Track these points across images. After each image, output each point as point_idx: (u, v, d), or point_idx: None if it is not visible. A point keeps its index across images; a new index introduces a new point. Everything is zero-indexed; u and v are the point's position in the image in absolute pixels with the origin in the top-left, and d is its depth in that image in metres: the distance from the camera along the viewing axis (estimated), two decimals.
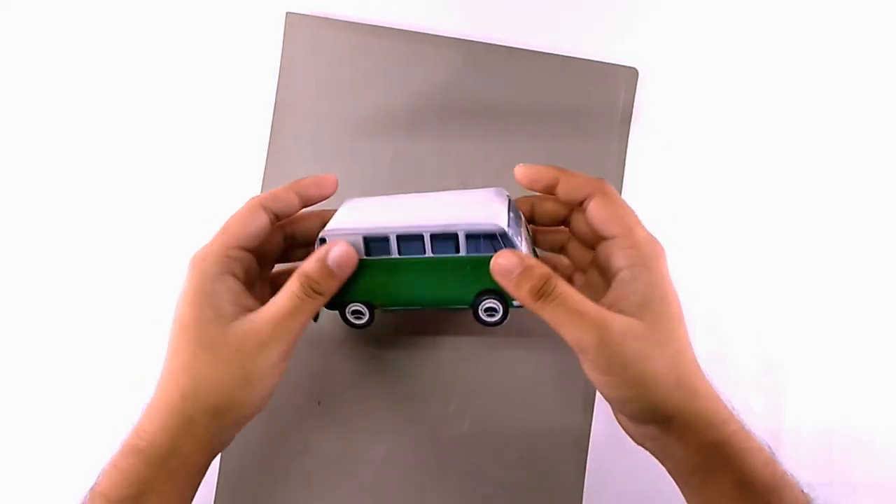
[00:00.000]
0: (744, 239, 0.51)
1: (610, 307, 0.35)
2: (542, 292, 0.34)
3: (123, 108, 0.48)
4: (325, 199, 0.40)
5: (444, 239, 0.36)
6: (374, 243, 0.37)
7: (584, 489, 0.47)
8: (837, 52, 0.52)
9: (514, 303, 0.37)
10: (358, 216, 0.38)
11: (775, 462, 0.35)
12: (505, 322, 0.38)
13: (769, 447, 0.35)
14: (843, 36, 0.52)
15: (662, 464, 0.37)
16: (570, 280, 0.41)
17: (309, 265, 0.36)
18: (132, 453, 0.34)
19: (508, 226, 0.36)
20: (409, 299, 0.38)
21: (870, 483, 0.49)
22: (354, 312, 0.39)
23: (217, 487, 0.46)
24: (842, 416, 0.50)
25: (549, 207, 0.41)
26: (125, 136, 0.48)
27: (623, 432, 0.38)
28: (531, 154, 0.50)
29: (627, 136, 0.50)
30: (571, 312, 0.34)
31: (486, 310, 0.38)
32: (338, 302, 0.38)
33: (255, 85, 0.49)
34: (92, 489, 0.34)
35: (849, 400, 0.50)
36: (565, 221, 0.41)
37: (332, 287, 0.37)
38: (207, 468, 0.37)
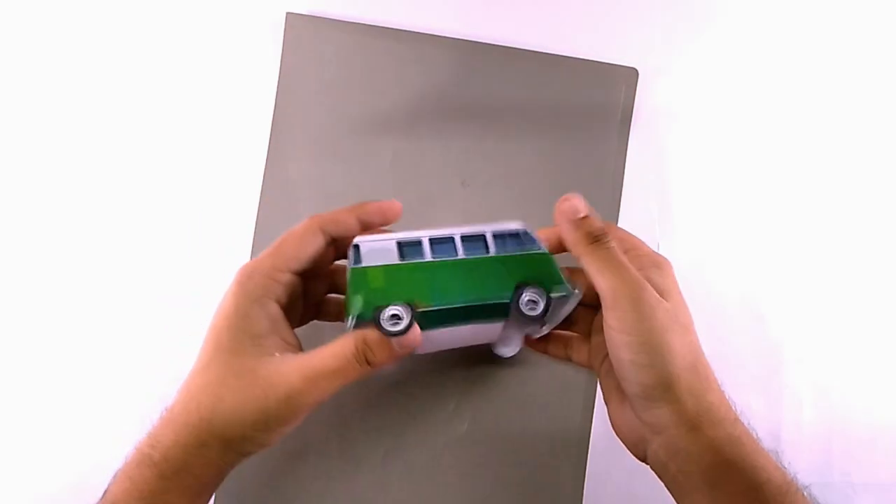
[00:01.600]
0: (743, 238, 0.51)
1: None
2: (598, 237, 0.35)
3: (124, 109, 0.48)
4: (388, 224, 0.39)
5: (474, 240, 0.37)
6: (407, 247, 0.37)
7: (584, 489, 0.47)
8: (837, 51, 0.52)
9: (553, 294, 0.37)
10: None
11: (783, 466, 0.34)
12: (546, 319, 0.38)
13: (774, 452, 0.35)
14: (842, 35, 0.52)
15: (661, 473, 0.35)
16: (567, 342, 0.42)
17: (373, 333, 0.35)
18: (146, 464, 0.34)
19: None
20: (450, 297, 0.36)
21: (870, 483, 0.49)
22: (392, 317, 0.35)
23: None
24: (842, 416, 0.50)
25: None
26: (125, 136, 0.48)
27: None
28: (531, 154, 0.50)
29: (627, 136, 0.50)
30: (617, 264, 0.34)
31: (528, 302, 0.37)
32: (372, 308, 0.35)
33: (256, 85, 0.49)
34: (104, 496, 0.34)
35: (849, 400, 0.50)
36: None
37: (383, 362, 0.35)
38: (220, 484, 0.36)
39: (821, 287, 0.51)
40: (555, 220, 0.37)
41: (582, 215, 0.36)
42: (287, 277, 0.36)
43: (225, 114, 0.49)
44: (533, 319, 0.37)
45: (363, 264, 0.36)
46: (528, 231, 0.38)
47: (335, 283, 0.42)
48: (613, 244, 0.35)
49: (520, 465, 0.47)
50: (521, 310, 0.37)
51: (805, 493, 0.33)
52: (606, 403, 0.40)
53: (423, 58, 0.50)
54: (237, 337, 0.34)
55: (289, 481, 0.47)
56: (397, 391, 0.48)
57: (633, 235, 0.39)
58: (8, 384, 0.46)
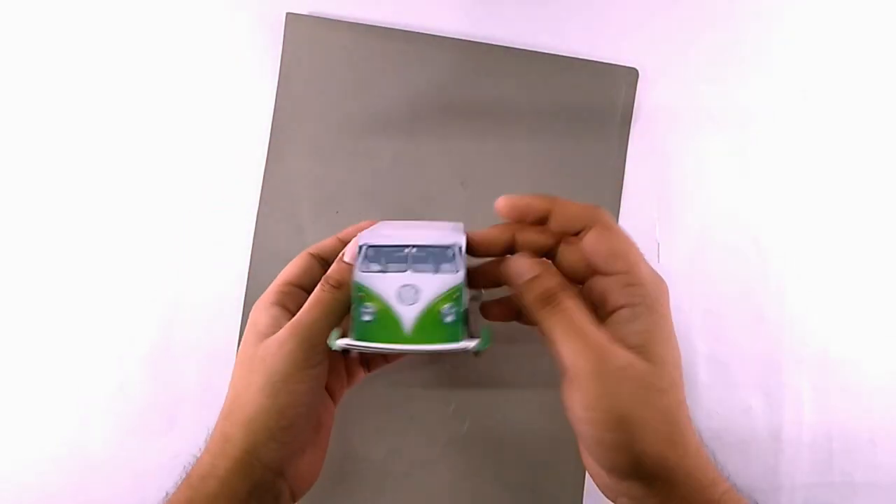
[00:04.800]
0: (743, 238, 0.50)
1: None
2: (549, 300, 0.32)
3: (124, 109, 0.48)
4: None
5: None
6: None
7: (584, 490, 0.47)
8: (837, 50, 0.52)
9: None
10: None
11: None
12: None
13: (756, 503, 0.34)
14: (842, 35, 0.52)
15: None
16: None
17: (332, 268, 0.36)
18: (185, 478, 0.35)
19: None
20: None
21: (870, 483, 0.49)
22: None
23: None
24: (842, 416, 0.50)
25: (532, 238, 0.36)
26: (125, 136, 0.48)
27: None
28: (531, 154, 0.50)
29: (627, 136, 0.50)
30: (573, 330, 0.31)
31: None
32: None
33: (256, 85, 0.49)
34: None
35: (849, 400, 0.50)
36: (549, 254, 0.37)
37: (349, 279, 0.35)
38: (258, 491, 0.34)
39: (821, 287, 0.51)
40: (504, 281, 0.35)
41: (527, 278, 0.32)
42: (289, 289, 0.38)
43: (225, 114, 0.49)
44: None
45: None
46: (454, 250, 0.33)
47: None
48: (569, 303, 0.32)
49: (520, 465, 0.47)
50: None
51: None
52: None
53: (423, 58, 0.50)
54: (245, 338, 0.36)
55: None
56: (397, 391, 0.48)
57: (630, 247, 0.34)
58: (8, 384, 0.46)
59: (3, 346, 0.46)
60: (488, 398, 0.48)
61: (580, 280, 0.36)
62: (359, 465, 0.47)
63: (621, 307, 0.33)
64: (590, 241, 0.34)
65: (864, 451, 0.50)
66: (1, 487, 0.46)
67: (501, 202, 0.35)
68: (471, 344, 0.33)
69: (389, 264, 0.33)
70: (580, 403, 0.31)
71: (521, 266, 0.33)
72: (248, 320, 0.37)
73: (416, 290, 0.33)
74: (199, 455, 0.36)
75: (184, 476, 0.35)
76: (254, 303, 0.38)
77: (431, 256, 0.33)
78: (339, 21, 0.49)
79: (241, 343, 0.37)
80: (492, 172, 0.49)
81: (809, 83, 0.52)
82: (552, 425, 0.48)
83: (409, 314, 0.33)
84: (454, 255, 0.33)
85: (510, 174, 0.50)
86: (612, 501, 0.34)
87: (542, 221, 0.35)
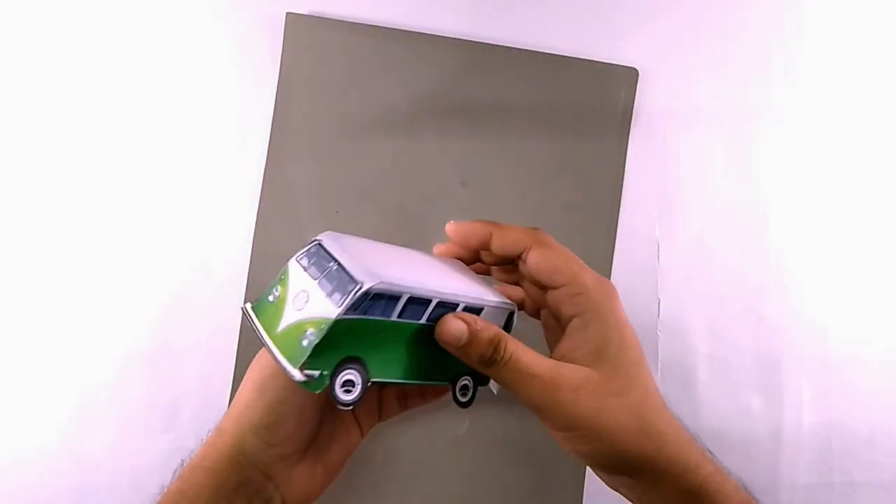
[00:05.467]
0: (743, 238, 0.51)
1: (563, 357, 0.33)
2: (492, 359, 0.32)
3: (124, 109, 0.48)
4: None
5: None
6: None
7: (584, 490, 0.47)
8: (837, 50, 0.52)
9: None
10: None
11: (751, 501, 0.34)
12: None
13: (745, 486, 0.35)
14: (842, 34, 0.52)
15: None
16: (536, 314, 0.39)
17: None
18: (181, 469, 0.36)
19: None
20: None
21: (870, 483, 0.49)
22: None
23: None
24: (842, 416, 0.50)
25: (502, 245, 0.37)
26: (125, 136, 0.48)
27: None
28: (531, 154, 0.50)
29: (627, 136, 0.50)
30: (522, 375, 0.32)
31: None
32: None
33: (256, 85, 0.49)
34: None
35: (849, 400, 0.50)
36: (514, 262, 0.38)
37: None
38: (246, 497, 0.35)
39: (820, 287, 0.51)
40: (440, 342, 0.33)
41: (465, 339, 0.32)
42: None
43: (225, 114, 0.49)
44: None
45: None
46: (355, 289, 0.30)
47: None
48: (511, 351, 0.32)
49: (520, 465, 0.47)
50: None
51: None
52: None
53: (423, 58, 0.50)
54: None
55: None
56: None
57: (569, 259, 0.35)
58: (7, 383, 0.46)
59: (3, 345, 0.46)
60: (488, 398, 0.48)
61: (542, 286, 0.37)
62: (359, 465, 0.47)
63: (572, 317, 0.34)
64: (532, 261, 0.35)
65: (864, 451, 0.50)
66: (1, 487, 0.46)
67: (449, 226, 0.37)
68: (296, 374, 0.29)
69: (312, 267, 0.32)
70: (553, 431, 0.33)
71: (456, 329, 0.32)
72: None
73: (306, 302, 0.31)
74: (196, 449, 0.36)
75: (180, 469, 0.36)
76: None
77: (340, 282, 0.30)
78: (339, 21, 0.49)
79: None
80: (492, 172, 0.49)
81: (809, 83, 0.52)
82: None
83: (288, 318, 0.31)
84: (352, 292, 0.29)
85: (510, 174, 0.50)
86: (616, 490, 0.36)
87: (485, 245, 0.37)
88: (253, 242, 0.48)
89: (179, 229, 0.48)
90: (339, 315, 0.29)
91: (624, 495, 0.36)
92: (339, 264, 0.31)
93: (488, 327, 0.32)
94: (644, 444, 0.33)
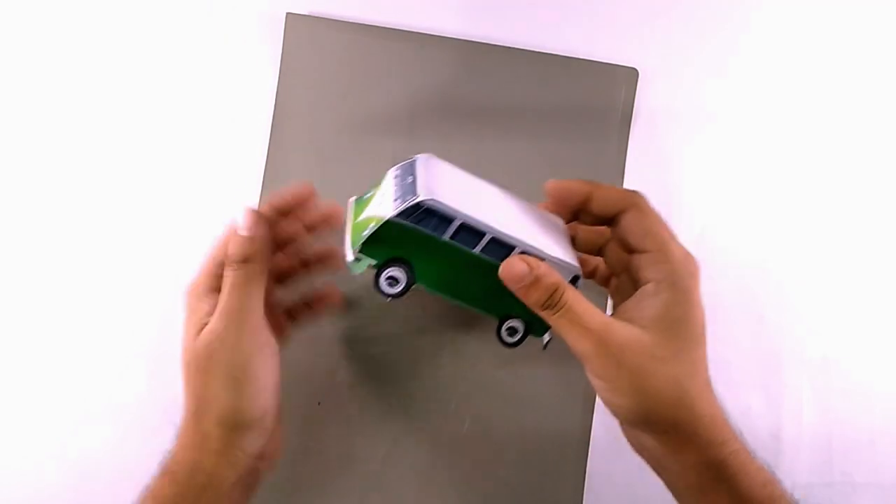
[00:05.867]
0: (743, 238, 0.51)
1: (623, 315, 0.35)
2: (549, 303, 0.33)
3: (124, 109, 0.48)
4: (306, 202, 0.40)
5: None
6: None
7: (584, 489, 0.47)
8: (836, 50, 0.52)
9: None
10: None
11: (774, 482, 0.35)
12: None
13: (770, 468, 0.35)
14: (842, 34, 0.52)
15: (658, 475, 0.37)
16: (606, 283, 0.41)
17: (228, 244, 0.36)
18: (163, 474, 0.35)
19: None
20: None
21: (870, 483, 0.49)
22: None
23: None
24: (842, 416, 0.50)
25: (601, 204, 0.38)
26: (126, 136, 0.48)
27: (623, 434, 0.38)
28: (531, 154, 0.50)
29: (627, 136, 0.50)
30: (574, 323, 0.33)
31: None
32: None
33: (255, 85, 0.49)
34: None
35: (849, 400, 0.50)
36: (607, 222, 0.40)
37: (254, 250, 0.35)
38: (243, 485, 0.36)
39: (821, 287, 0.51)
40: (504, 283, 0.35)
41: (526, 283, 0.33)
42: (220, 270, 0.37)
43: (225, 114, 0.49)
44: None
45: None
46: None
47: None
48: (568, 299, 0.33)
49: (520, 465, 0.47)
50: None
51: None
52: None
53: (423, 58, 0.50)
54: (190, 336, 0.36)
55: (289, 482, 0.47)
56: (397, 391, 0.48)
57: (662, 227, 0.36)
58: (7, 384, 0.46)
59: (3, 346, 0.46)
60: (488, 398, 0.48)
61: (630, 250, 0.38)
62: (359, 465, 0.47)
63: (648, 282, 0.35)
64: (626, 223, 0.36)
65: (864, 451, 0.50)
66: (1, 487, 0.46)
67: (549, 185, 0.38)
68: (349, 254, 0.34)
69: (398, 177, 0.36)
70: (594, 377, 0.35)
71: (519, 270, 0.34)
72: (186, 310, 0.37)
73: (380, 203, 0.35)
74: (173, 451, 0.36)
75: (159, 469, 0.36)
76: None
77: (406, 192, 0.34)
78: (339, 21, 0.49)
79: (184, 337, 0.36)
80: (492, 172, 0.49)
81: (809, 83, 0.52)
82: (552, 425, 0.48)
83: (366, 212, 0.36)
84: (408, 200, 0.33)
85: (510, 174, 0.49)
86: (639, 454, 0.37)
87: (583, 205, 0.38)
88: None
89: (179, 229, 0.48)
90: (391, 216, 0.33)
91: (645, 459, 0.37)
92: (415, 178, 0.34)
93: (550, 273, 0.34)
94: (676, 413, 0.34)
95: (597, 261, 0.42)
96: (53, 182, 0.48)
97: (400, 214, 0.33)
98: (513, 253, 0.35)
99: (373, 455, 0.47)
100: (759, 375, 0.50)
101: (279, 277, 0.42)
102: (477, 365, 0.48)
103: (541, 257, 0.35)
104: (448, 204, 0.33)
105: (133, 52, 0.49)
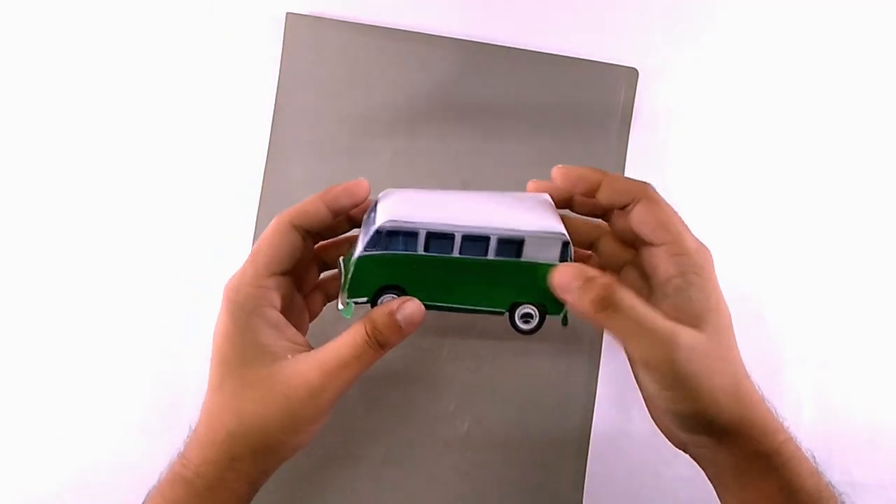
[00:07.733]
0: (743, 238, 0.51)
1: (668, 315, 0.33)
2: (605, 304, 0.32)
3: (124, 109, 0.48)
4: (357, 206, 0.37)
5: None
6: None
7: (584, 489, 0.47)
8: (836, 50, 0.52)
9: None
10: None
11: (820, 473, 0.34)
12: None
13: (814, 458, 0.35)
14: (842, 34, 0.52)
15: (702, 467, 0.36)
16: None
17: (378, 315, 0.34)
18: (178, 483, 0.34)
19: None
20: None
21: (870, 483, 0.49)
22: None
23: None
24: (842, 416, 0.50)
25: (590, 201, 0.38)
26: (126, 136, 0.48)
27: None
28: (531, 154, 0.50)
29: (627, 136, 0.50)
30: (639, 327, 0.32)
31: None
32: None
33: (256, 85, 0.49)
34: None
35: (849, 400, 0.50)
36: (604, 215, 0.39)
37: (395, 342, 0.34)
38: (253, 495, 0.36)
39: (821, 287, 0.51)
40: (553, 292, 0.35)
41: (576, 286, 0.33)
42: (273, 281, 0.35)
43: (225, 114, 0.49)
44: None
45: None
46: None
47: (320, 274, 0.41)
48: (627, 300, 0.32)
49: (520, 465, 0.47)
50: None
51: (843, 503, 0.34)
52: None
53: (423, 58, 0.50)
54: (243, 351, 0.34)
55: (289, 482, 0.47)
56: (397, 391, 0.48)
57: (674, 218, 0.35)
58: (8, 384, 0.46)
59: (4, 346, 0.46)
60: (488, 398, 0.48)
61: (631, 244, 0.38)
62: (359, 465, 0.47)
63: (672, 277, 0.34)
64: (637, 214, 0.35)
65: (864, 451, 0.50)
66: (1, 487, 0.46)
67: (556, 170, 0.37)
68: (339, 305, 0.36)
69: (367, 219, 0.37)
70: (658, 387, 0.33)
71: (567, 277, 0.33)
72: (229, 314, 0.34)
73: (353, 252, 0.35)
74: (185, 458, 0.34)
75: (172, 475, 0.34)
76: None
77: (369, 226, 0.35)
78: (339, 21, 0.49)
79: (230, 345, 0.34)
80: (492, 172, 0.49)
81: (810, 83, 0.52)
82: (552, 425, 0.48)
83: (348, 261, 0.36)
84: (370, 233, 0.34)
85: (510, 174, 0.49)
86: (681, 449, 0.36)
87: (591, 193, 0.36)
88: (253, 242, 0.48)
89: (179, 229, 0.48)
90: (359, 254, 0.34)
91: (691, 454, 0.36)
92: (375, 214, 0.35)
93: (601, 274, 0.33)
94: (737, 408, 0.33)
95: (585, 255, 0.40)
96: (53, 182, 0.48)
97: (367, 247, 0.34)
98: (491, 242, 0.34)
99: (372, 455, 0.47)
100: (759, 375, 0.49)
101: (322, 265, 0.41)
102: (477, 365, 0.48)
103: (520, 237, 0.34)
104: (405, 220, 0.34)
105: (133, 52, 0.49)
